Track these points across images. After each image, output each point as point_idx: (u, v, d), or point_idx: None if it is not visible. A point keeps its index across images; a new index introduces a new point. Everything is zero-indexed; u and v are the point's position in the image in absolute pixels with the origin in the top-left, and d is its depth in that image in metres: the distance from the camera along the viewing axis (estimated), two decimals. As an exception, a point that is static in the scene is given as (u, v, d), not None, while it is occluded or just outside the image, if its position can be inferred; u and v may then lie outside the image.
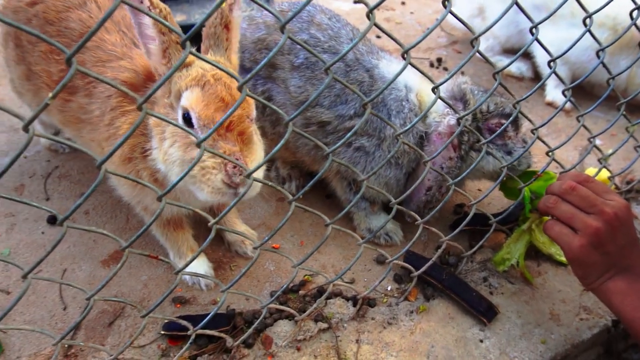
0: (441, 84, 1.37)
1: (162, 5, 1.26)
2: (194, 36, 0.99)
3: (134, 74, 1.55)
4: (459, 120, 1.55)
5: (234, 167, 1.25)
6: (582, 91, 3.08)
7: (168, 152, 1.35)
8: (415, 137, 1.86)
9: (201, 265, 1.85)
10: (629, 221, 1.42)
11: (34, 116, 0.89)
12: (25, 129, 0.89)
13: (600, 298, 1.46)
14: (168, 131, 1.37)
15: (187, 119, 1.31)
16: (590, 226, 1.38)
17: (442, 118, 1.82)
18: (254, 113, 1.39)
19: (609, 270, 1.41)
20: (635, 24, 1.70)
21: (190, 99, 1.29)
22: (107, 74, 1.57)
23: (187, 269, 1.70)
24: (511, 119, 1.67)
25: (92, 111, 1.65)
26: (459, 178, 1.68)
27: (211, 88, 1.30)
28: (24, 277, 1.06)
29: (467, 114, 1.56)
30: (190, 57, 1.35)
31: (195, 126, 1.30)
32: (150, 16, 1.00)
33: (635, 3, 1.69)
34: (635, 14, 1.70)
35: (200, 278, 1.82)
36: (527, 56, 3.32)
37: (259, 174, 1.29)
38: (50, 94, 0.91)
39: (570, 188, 1.45)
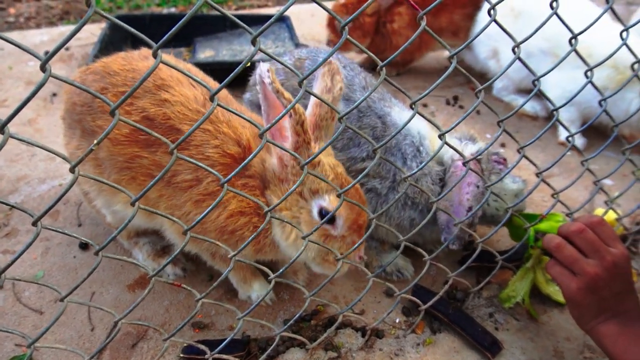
0: (447, 131, 1.48)
1: (301, 109, 1.38)
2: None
3: (240, 148, 1.57)
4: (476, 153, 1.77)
5: (360, 257, 1.58)
6: (595, 131, 3.13)
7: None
8: (435, 179, 1.91)
9: (263, 287, 1.93)
10: (627, 270, 1.50)
11: (80, 159, 1.00)
12: (72, 170, 1.01)
13: (594, 339, 1.52)
14: (303, 221, 1.52)
15: (323, 215, 1.50)
16: (588, 272, 1.46)
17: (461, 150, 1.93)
18: None
19: (603, 314, 1.48)
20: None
21: (335, 204, 1.48)
22: (210, 141, 1.56)
23: (254, 293, 1.94)
24: (519, 159, 1.75)
25: (177, 173, 1.57)
26: (483, 204, 1.79)
27: (349, 194, 1.45)
28: (62, 300, 1.18)
29: (484, 150, 1.84)
30: (317, 158, 1.49)
31: (338, 225, 1.52)
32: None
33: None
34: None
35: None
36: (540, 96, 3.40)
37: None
38: (95, 141, 1.04)
39: (579, 230, 1.52)
